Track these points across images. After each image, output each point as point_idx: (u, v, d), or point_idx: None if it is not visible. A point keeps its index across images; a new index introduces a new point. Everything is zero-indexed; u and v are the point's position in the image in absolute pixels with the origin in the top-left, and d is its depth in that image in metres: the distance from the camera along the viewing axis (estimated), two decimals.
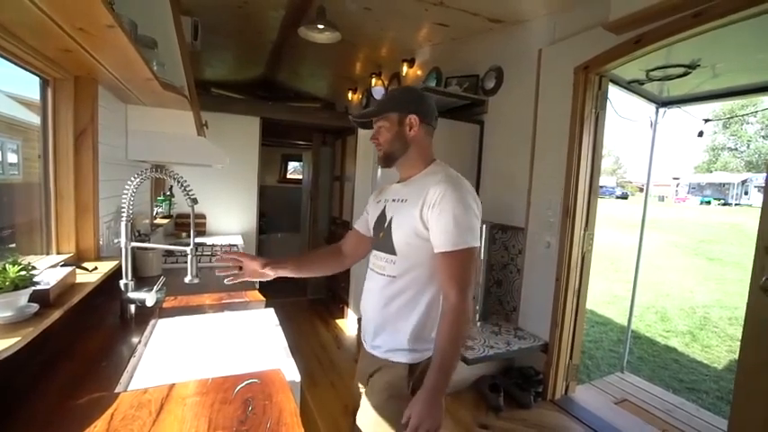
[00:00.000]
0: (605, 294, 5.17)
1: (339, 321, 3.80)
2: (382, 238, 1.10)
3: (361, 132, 3.47)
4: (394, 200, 1.12)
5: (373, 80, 4.11)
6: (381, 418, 1.04)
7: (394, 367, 1.06)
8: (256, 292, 1.63)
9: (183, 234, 3.06)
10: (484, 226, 2.24)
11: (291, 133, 5.22)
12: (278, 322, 1.40)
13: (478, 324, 2.24)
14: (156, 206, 2.97)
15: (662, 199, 26.58)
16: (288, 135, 5.34)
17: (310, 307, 4.09)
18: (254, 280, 1.24)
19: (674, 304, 5.00)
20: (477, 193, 2.80)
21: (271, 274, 1.21)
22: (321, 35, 2.66)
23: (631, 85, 2.23)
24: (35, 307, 0.90)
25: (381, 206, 1.15)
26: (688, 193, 26.53)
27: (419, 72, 3.52)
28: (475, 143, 2.66)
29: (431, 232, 1.00)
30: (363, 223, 1.25)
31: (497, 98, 2.52)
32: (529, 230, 2.19)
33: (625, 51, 1.67)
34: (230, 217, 3.54)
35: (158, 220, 2.94)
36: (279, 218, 6.00)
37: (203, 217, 3.37)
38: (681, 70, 1.92)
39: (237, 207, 3.59)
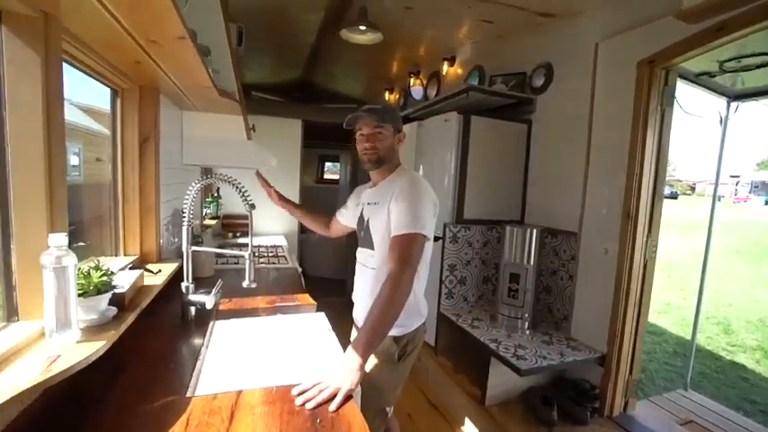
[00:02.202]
0: (657, 302, 4.87)
1: None
2: (363, 236, 1.30)
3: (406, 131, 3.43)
4: (369, 203, 1.30)
5: (411, 80, 4.07)
6: (375, 379, 1.19)
7: (384, 341, 1.17)
8: (307, 295, 1.65)
9: (230, 234, 3.16)
10: (534, 231, 2.17)
11: (329, 134, 5.28)
12: (330, 327, 1.42)
13: (527, 332, 2.16)
14: (205, 207, 3.09)
15: (719, 198, 24.72)
16: (325, 136, 5.41)
17: (350, 309, 4.10)
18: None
19: (739, 315, 4.62)
20: (525, 196, 2.69)
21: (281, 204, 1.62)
22: (363, 36, 2.66)
23: (700, 78, 2.06)
24: (114, 310, 0.95)
25: (360, 210, 1.35)
26: (750, 192, 24.49)
27: (459, 71, 3.45)
28: (522, 143, 2.57)
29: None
30: (342, 215, 1.53)
31: (547, 96, 2.42)
32: (583, 235, 2.08)
33: (703, 41, 1.53)
34: (273, 218, 3.63)
35: (206, 221, 3.06)
36: None
37: (247, 218, 3.47)
38: (763, 59, 1.75)
39: (280, 209, 3.67)
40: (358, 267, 1.35)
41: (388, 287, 1.05)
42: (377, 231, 1.23)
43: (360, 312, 1.34)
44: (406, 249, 1.09)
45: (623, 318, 1.88)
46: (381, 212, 1.21)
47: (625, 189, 1.87)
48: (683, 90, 2.05)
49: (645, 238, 1.88)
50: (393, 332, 1.21)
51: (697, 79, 2.07)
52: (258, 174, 1.60)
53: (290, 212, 1.64)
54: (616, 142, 1.92)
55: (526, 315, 2.18)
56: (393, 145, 1.27)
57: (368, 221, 1.28)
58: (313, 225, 1.64)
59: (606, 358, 1.93)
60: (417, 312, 1.27)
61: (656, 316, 4.38)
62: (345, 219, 1.53)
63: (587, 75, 2.09)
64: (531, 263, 2.16)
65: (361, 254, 1.32)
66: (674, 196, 28.43)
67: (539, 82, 2.45)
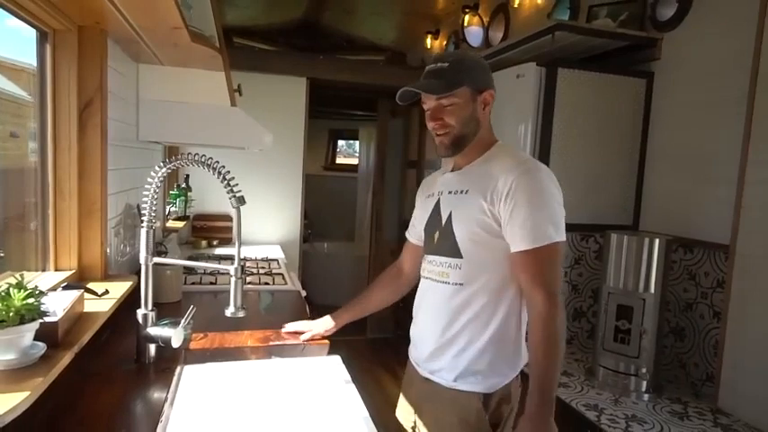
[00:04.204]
0: None
1: None
2: (439, 239, 1.32)
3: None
4: (450, 192, 1.32)
5: (467, 17, 4.04)
6: None
7: (464, 398, 1.25)
8: None
9: (203, 242, 3.22)
10: (656, 241, 2.10)
11: (345, 99, 5.31)
12: (349, 377, 1.41)
13: (646, 397, 2.07)
14: (169, 204, 3.15)
15: None
16: (340, 102, 5.44)
17: (372, 350, 4.13)
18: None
19: None
20: (640, 188, 2.61)
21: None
22: None
23: None
24: (42, 347, 0.96)
25: (433, 201, 1.38)
26: None
27: (540, 0, 3.40)
28: (637, 108, 2.52)
29: (505, 229, 1.20)
30: (414, 230, 1.52)
31: (680, 34, 2.34)
32: (739, 249, 1.97)
33: None
34: (264, 219, 3.67)
35: (170, 223, 3.13)
36: (325, 221, 6.14)
37: (227, 219, 3.53)
38: None
39: (275, 205, 3.71)
40: (425, 285, 1.37)
41: (541, 330, 1.14)
42: (464, 230, 1.26)
43: (425, 350, 1.34)
44: (547, 270, 1.16)
45: None
46: (474, 205, 1.24)
47: None
48: None
49: None
50: (477, 387, 1.25)
51: None
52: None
53: (361, 314, 1.67)
54: None
55: (644, 370, 2.11)
56: (475, 114, 1.27)
57: (450, 216, 1.29)
58: (384, 299, 1.66)
59: None
60: (517, 356, 1.31)
61: None
62: (418, 232, 1.49)
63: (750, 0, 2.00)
64: (652, 290, 2.10)
65: (434, 264, 1.33)
66: None
67: (667, 12, 2.37)
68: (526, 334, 1.27)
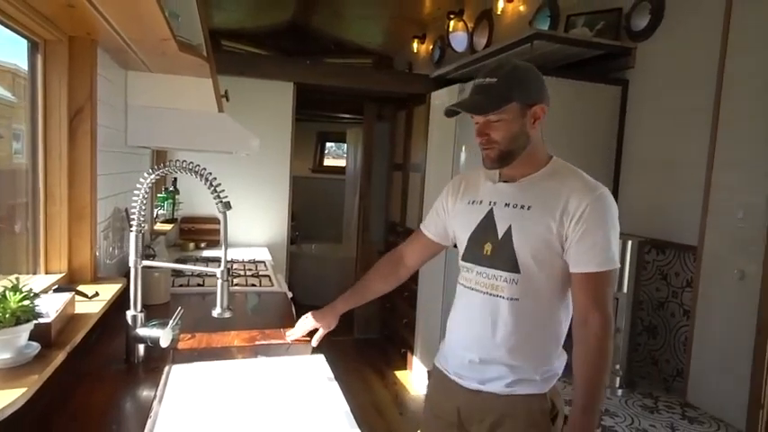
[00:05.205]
0: None
1: (400, 374, 3.83)
2: (494, 252, 1.29)
3: (437, 100, 3.47)
4: (507, 204, 1.29)
5: (452, 23, 4.11)
6: None
7: (530, 401, 1.28)
8: None
9: (191, 245, 3.24)
10: (630, 242, 2.16)
11: (333, 102, 5.34)
12: (332, 375, 1.45)
13: (620, 393, 2.14)
14: (157, 206, 3.18)
15: None
16: (327, 105, 5.47)
17: (358, 351, 4.17)
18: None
19: None
20: (617, 189, 2.68)
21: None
22: None
23: None
24: (36, 347, 1.00)
25: (482, 209, 1.34)
26: None
27: (522, 8, 3.47)
28: (612, 114, 2.59)
29: (569, 249, 1.22)
30: (435, 226, 1.51)
31: (653, 44, 2.41)
32: (706, 250, 2.06)
33: None
34: (252, 221, 3.70)
35: (158, 225, 3.16)
36: (312, 222, 6.17)
37: (215, 221, 3.55)
38: None
39: (262, 208, 3.74)
40: (473, 298, 1.34)
41: (596, 348, 1.19)
42: (527, 246, 1.25)
43: (471, 361, 1.33)
44: (605, 293, 1.22)
45: None
46: (539, 222, 1.24)
47: None
48: None
49: None
50: (533, 390, 1.28)
51: None
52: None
53: (360, 302, 1.63)
54: (760, 113, 1.90)
55: (617, 367, 2.17)
56: (524, 129, 1.24)
57: (509, 231, 1.27)
58: (382, 286, 1.61)
59: None
60: (561, 360, 1.35)
61: None
62: (438, 228, 1.51)
63: (718, 13, 2.07)
64: (625, 290, 2.16)
65: (484, 277, 1.31)
66: None
67: (641, 23, 2.44)
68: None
